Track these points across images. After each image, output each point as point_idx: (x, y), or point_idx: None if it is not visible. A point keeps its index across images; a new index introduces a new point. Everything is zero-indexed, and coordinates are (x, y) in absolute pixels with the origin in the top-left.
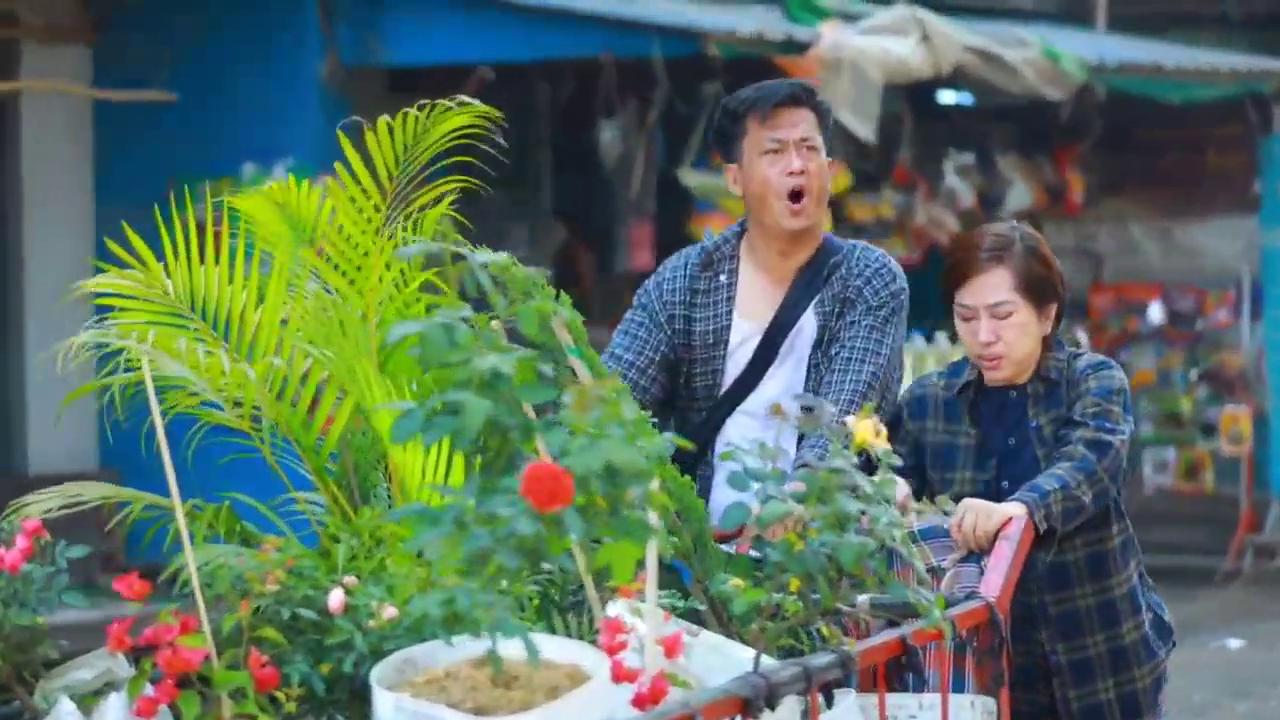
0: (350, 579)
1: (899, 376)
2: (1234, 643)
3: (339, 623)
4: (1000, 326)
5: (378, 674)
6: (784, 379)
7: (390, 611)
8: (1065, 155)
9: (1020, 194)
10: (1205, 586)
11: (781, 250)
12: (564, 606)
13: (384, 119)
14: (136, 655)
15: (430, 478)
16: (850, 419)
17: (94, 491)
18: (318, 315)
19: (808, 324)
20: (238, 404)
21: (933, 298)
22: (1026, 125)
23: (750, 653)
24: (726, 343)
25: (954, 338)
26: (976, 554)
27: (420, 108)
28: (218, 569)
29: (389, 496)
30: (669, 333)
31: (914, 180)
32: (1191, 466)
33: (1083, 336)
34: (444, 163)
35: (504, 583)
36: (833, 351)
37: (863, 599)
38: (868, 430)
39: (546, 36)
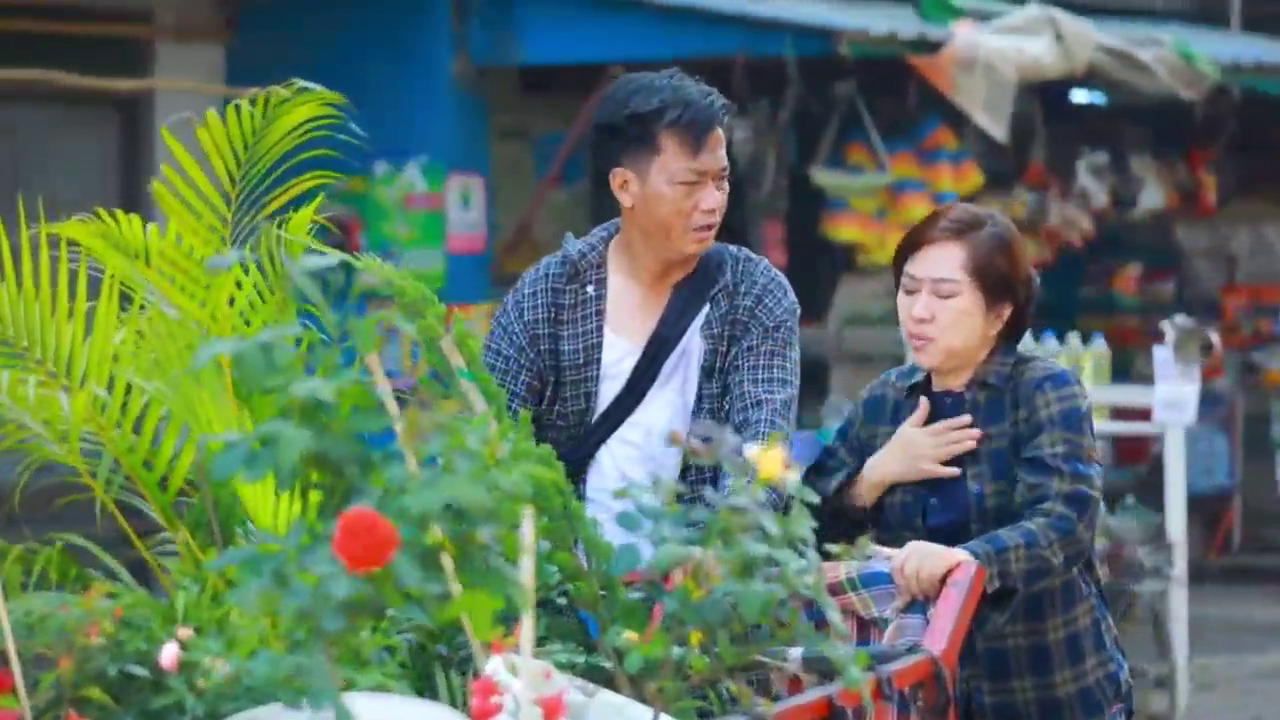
0: (186, 631)
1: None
2: None
3: (170, 682)
4: (939, 306)
5: None
6: (667, 403)
7: (224, 668)
8: (1199, 156)
9: (1153, 194)
10: None
11: (665, 271)
12: (453, 661)
13: (212, 113)
14: None
15: (285, 516)
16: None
17: None
18: (153, 338)
19: (694, 345)
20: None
21: (1067, 299)
22: (1160, 125)
23: None
24: (599, 361)
25: (1086, 338)
26: (922, 604)
27: (552, 104)
28: (38, 620)
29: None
30: (532, 355)
31: (1047, 180)
32: None
33: (1215, 338)
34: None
35: (364, 633)
36: (732, 381)
37: (794, 653)
38: (775, 463)
39: (679, 35)
